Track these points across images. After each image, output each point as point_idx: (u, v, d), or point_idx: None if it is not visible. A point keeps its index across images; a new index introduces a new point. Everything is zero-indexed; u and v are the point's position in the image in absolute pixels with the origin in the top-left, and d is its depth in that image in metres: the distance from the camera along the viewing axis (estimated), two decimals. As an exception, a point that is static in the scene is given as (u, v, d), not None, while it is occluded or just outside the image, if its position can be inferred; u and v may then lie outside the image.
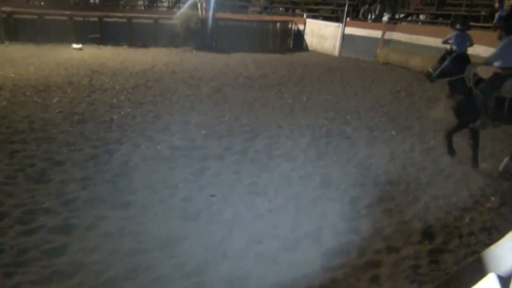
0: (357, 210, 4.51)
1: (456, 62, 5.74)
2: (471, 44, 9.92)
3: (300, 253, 3.66)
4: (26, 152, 5.46)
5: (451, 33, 10.28)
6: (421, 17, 18.66)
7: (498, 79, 5.52)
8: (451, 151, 6.07)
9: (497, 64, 5.56)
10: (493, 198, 4.93)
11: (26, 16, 15.82)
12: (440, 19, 17.08)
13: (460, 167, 5.84)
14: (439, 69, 5.81)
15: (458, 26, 10.26)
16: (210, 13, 18.08)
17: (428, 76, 5.99)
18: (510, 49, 5.52)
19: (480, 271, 0.97)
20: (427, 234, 4.08)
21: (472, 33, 10.65)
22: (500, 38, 6.44)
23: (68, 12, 16.34)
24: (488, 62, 5.71)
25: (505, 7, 13.83)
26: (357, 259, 3.64)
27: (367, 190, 4.98)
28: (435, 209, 4.61)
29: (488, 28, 13.66)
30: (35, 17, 15.78)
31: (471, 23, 14.11)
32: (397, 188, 5.10)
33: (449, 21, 13.90)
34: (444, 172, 5.68)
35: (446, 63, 5.75)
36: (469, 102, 5.66)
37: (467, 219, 4.40)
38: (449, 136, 6.02)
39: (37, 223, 3.85)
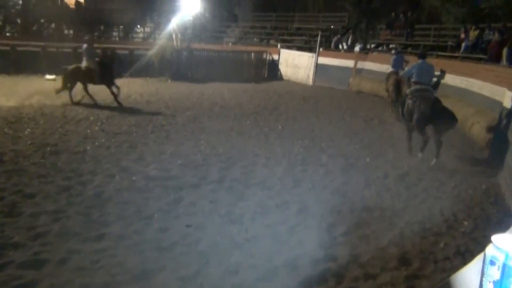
0: (334, 237, 4.51)
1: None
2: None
3: (278, 283, 3.62)
4: (-4, 185, 5.31)
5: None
6: (391, 47, 19.26)
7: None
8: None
9: (413, 79, 7.44)
10: (466, 223, 5.01)
11: (-2, 47, 15.66)
12: (410, 49, 17.67)
13: (434, 193, 5.95)
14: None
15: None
16: (186, 44, 18.27)
17: None
18: (422, 67, 7.51)
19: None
20: (403, 260, 4.10)
21: (440, 62, 11.07)
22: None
23: (41, 43, 16.25)
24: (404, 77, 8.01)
25: (470, 38, 14.43)
26: (334, 287, 3.62)
27: (344, 217, 5.00)
28: (411, 234, 4.65)
29: (455, 57, 14.17)
30: (8, 48, 15.63)
31: (439, 53, 14.64)
32: (372, 215, 5.14)
33: (418, 51, 14.54)
34: (418, 197, 5.77)
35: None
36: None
37: (441, 244, 4.45)
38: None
39: (5, 259, 3.70)
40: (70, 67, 11.01)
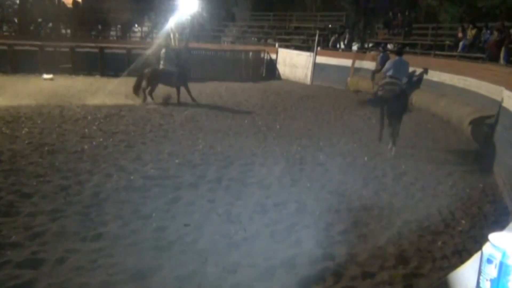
0: (332, 236, 4.52)
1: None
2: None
3: (276, 282, 3.62)
4: (-7, 185, 5.29)
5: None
6: (389, 46, 19.26)
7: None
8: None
9: (389, 73, 7.96)
10: (463, 221, 5.02)
11: (-5, 47, 15.63)
12: (407, 48, 17.67)
13: (431, 192, 5.96)
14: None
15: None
16: (183, 43, 18.24)
17: None
18: (398, 64, 8.06)
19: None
20: (401, 258, 4.11)
21: (437, 61, 11.16)
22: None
23: (38, 43, 16.21)
24: (384, 72, 8.20)
25: (468, 37, 14.44)
26: (333, 286, 3.62)
27: (342, 216, 5.01)
28: (408, 233, 4.66)
29: (453, 56, 14.19)
30: (5, 47, 15.59)
31: (437, 52, 14.73)
32: (370, 214, 5.14)
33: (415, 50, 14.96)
34: (415, 197, 5.78)
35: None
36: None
37: (439, 243, 4.46)
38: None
39: (3, 258, 3.69)
40: (148, 69, 11.64)
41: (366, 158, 7.35)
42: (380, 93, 7.88)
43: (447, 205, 5.47)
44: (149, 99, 11.44)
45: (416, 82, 13.64)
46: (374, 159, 7.33)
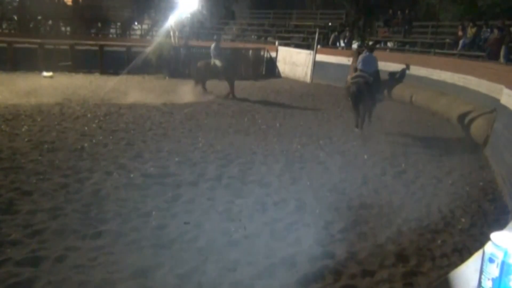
0: (331, 234, 4.52)
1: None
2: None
3: (276, 280, 3.62)
4: (-7, 183, 5.29)
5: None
6: (389, 44, 19.26)
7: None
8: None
9: (359, 67, 9.05)
10: (463, 220, 5.02)
11: (-5, 44, 15.62)
12: (407, 46, 17.66)
13: (431, 190, 5.96)
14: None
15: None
16: (183, 41, 18.23)
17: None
18: (367, 59, 9.16)
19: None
20: (401, 257, 4.11)
21: (438, 59, 11.19)
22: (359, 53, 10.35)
23: (38, 40, 16.19)
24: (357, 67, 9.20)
25: (468, 35, 14.44)
26: (332, 284, 3.62)
27: (341, 214, 5.01)
28: (408, 232, 4.66)
29: (453, 55, 14.18)
30: (5, 45, 15.57)
31: (437, 50, 14.76)
32: (370, 212, 5.15)
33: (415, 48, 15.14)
34: (415, 195, 5.78)
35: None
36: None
37: (439, 241, 4.46)
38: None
39: (3, 256, 3.69)
40: (200, 63, 12.86)
41: (365, 156, 7.35)
42: (351, 85, 8.85)
43: (447, 203, 5.47)
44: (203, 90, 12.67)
45: (399, 77, 14.54)
46: (374, 157, 7.32)
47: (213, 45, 12.98)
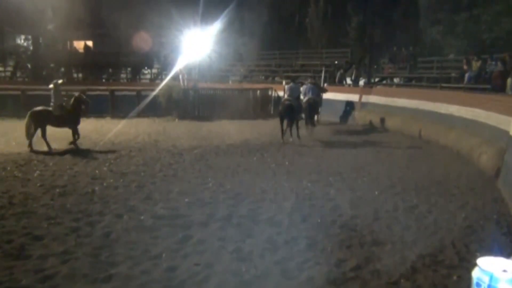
0: (344, 272, 4.44)
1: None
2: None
3: (288, 321, 3.55)
4: (5, 228, 5.33)
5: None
6: (395, 80, 19.46)
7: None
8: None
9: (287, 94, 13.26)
10: (478, 254, 4.91)
11: (9, 92, 16.05)
12: (413, 82, 17.82)
13: (444, 224, 5.87)
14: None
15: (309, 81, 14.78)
16: (192, 83, 18.58)
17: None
18: (292, 88, 13.17)
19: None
20: (416, 294, 4.02)
21: (444, 93, 11.26)
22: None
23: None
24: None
25: (473, 68, 14.55)
26: (346, 324, 3.54)
27: (353, 252, 4.94)
28: (422, 268, 4.57)
29: (459, 88, 14.26)
30: (18, 92, 15.99)
31: (443, 84, 14.86)
32: (383, 248, 5.06)
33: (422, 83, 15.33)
34: (428, 229, 5.69)
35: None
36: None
37: (455, 277, 4.36)
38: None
39: (13, 302, 3.69)
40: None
41: (376, 192, 7.30)
42: (280, 106, 12.78)
43: (461, 238, 5.37)
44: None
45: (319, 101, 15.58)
46: (385, 193, 7.27)
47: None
